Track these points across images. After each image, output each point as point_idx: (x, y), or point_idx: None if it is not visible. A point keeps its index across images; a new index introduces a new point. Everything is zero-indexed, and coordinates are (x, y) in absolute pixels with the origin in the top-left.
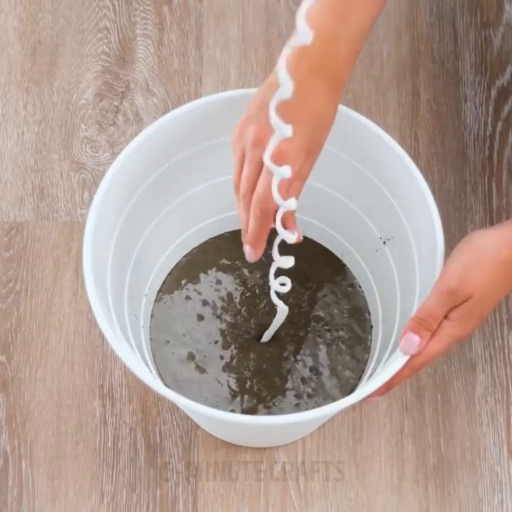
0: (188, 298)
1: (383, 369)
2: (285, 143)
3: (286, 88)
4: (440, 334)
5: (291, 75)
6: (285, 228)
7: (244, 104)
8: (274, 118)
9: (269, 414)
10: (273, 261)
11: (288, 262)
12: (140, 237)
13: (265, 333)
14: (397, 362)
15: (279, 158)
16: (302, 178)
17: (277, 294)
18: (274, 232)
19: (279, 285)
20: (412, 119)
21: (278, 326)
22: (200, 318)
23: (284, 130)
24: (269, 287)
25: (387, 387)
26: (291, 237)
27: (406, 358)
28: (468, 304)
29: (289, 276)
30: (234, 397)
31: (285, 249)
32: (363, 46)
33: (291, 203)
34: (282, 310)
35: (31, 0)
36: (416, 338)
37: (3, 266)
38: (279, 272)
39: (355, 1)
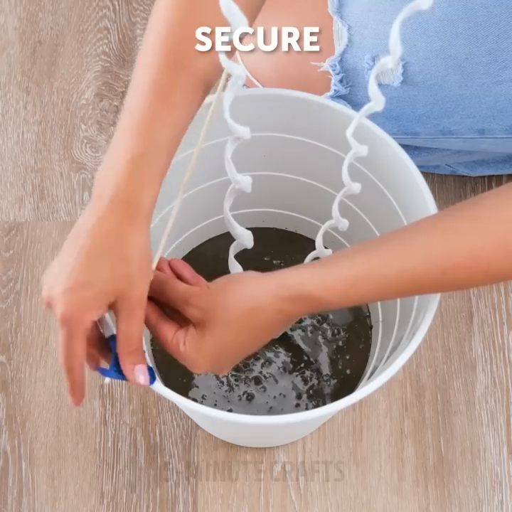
0: None
1: (385, 367)
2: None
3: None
4: None
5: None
6: None
7: (246, 104)
8: None
9: (269, 414)
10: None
11: None
12: None
13: None
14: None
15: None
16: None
17: None
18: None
19: None
20: None
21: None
22: None
23: None
24: None
25: None
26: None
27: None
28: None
29: None
30: (233, 396)
31: (281, 249)
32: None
33: None
34: None
35: (31, 0)
36: None
37: (3, 266)
38: None
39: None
